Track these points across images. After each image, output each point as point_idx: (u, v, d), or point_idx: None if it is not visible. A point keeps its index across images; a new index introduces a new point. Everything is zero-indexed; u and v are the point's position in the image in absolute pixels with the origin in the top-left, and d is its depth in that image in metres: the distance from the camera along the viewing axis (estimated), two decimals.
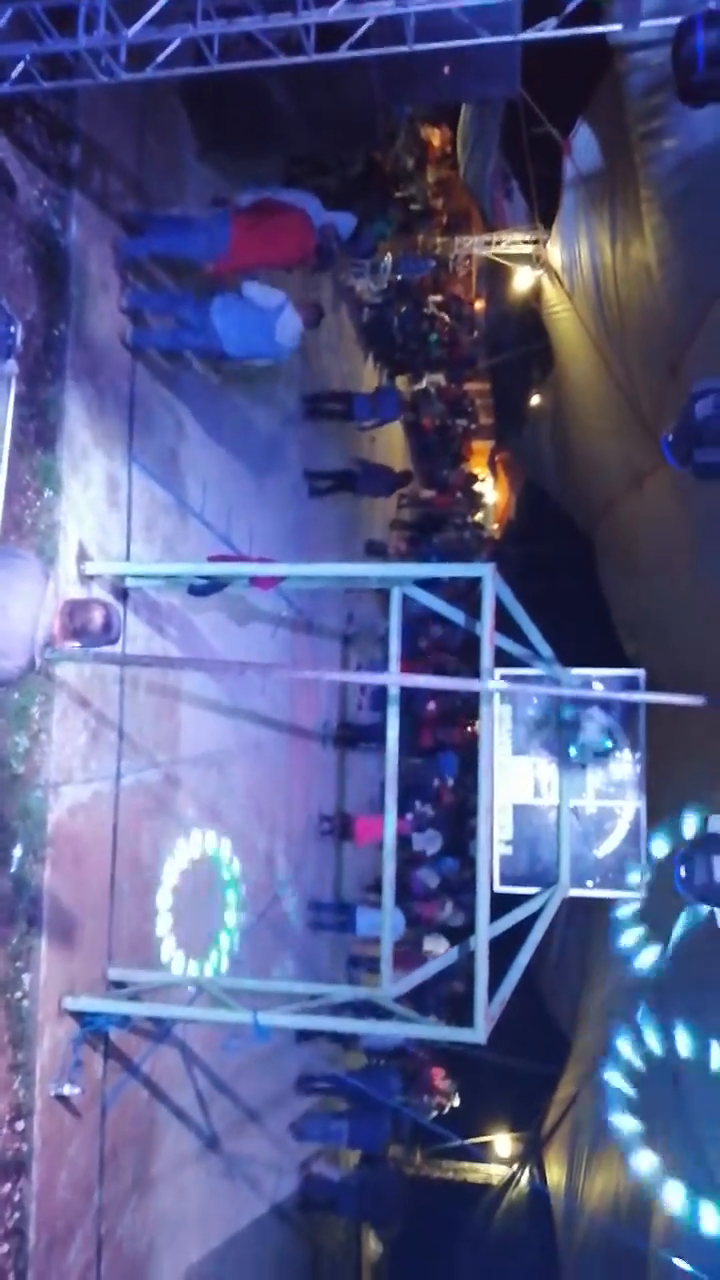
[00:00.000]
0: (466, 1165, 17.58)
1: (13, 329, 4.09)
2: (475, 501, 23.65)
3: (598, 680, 7.63)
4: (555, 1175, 15.14)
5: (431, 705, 16.93)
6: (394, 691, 6.61)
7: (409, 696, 14.73)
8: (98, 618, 3.52)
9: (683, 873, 4.33)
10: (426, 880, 14.88)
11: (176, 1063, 7.45)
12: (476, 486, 23.83)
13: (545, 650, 6.97)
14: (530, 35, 5.29)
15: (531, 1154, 16.05)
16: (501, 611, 6.28)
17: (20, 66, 5.01)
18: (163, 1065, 7.16)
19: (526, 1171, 16.01)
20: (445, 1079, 16.28)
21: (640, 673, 7.63)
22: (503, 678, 7.10)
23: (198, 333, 6.90)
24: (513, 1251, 16.28)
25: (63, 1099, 5.62)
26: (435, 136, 16.53)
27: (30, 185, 5.61)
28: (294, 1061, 11.01)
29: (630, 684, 7.68)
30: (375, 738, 12.66)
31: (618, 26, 5.32)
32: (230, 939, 8.46)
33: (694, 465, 4.18)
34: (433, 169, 16.56)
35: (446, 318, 17.49)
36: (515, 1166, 16.73)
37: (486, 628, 5.99)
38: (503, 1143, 17.06)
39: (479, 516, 24.52)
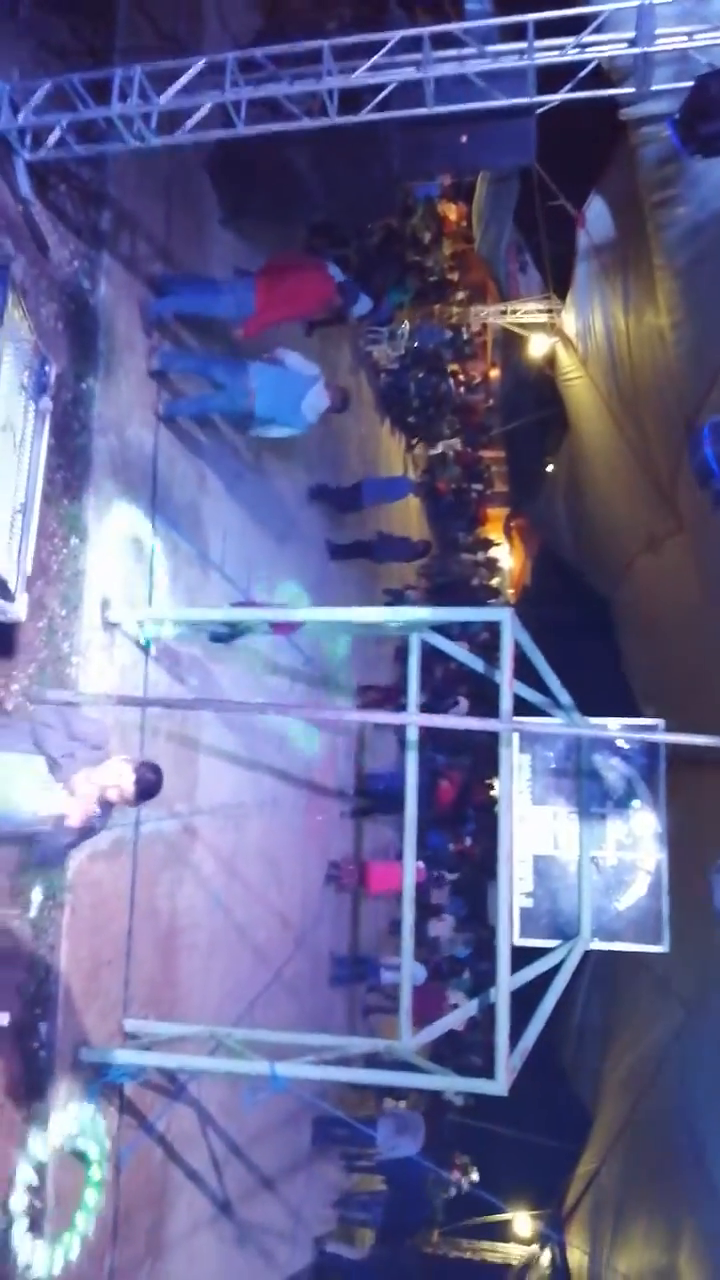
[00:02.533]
0: (485, 1244, 16.95)
1: (47, 368, 4.21)
2: (491, 567, 23.79)
3: (616, 728, 7.61)
4: (577, 1255, 14.59)
5: (445, 784, 16.74)
6: (412, 736, 6.61)
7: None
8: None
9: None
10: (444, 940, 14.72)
11: (192, 1124, 7.30)
12: (492, 551, 23.99)
13: (565, 698, 6.97)
14: (544, 97, 5.49)
15: (553, 1234, 15.48)
16: (521, 662, 6.30)
17: (56, 134, 5.22)
18: (178, 1125, 7.01)
19: (548, 1251, 15.43)
20: (462, 1156, 15.88)
21: (660, 722, 7.61)
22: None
23: (229, 393, 7.03)
24: None
25: (77, 1154, 5.51)
26: (451, 212, 17.00)
27: (62, 246, 5.81)
28: (307, 1123, 10.76)
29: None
30: (393, 809, 12.57)
31: (630, 89, 5.53)
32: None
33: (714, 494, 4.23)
34: (449, 242, 17.01)
35: (462, 377, 17.77)
36: (536, 1246, 16.14)
37: (506, 672, 6.00)
38: (523, 1221, 16.47)
39: (495, 581, 24.64)
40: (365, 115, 5.41)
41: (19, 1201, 4.99)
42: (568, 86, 5.33)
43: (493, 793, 16.98)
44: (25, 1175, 5.03)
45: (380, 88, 5.34)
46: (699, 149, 5.06)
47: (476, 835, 15.99)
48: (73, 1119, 5.46)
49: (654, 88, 5.34)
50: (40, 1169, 5.18)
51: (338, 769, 12.21)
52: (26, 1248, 5.00)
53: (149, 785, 3.89)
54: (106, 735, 4.09)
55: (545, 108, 8.87)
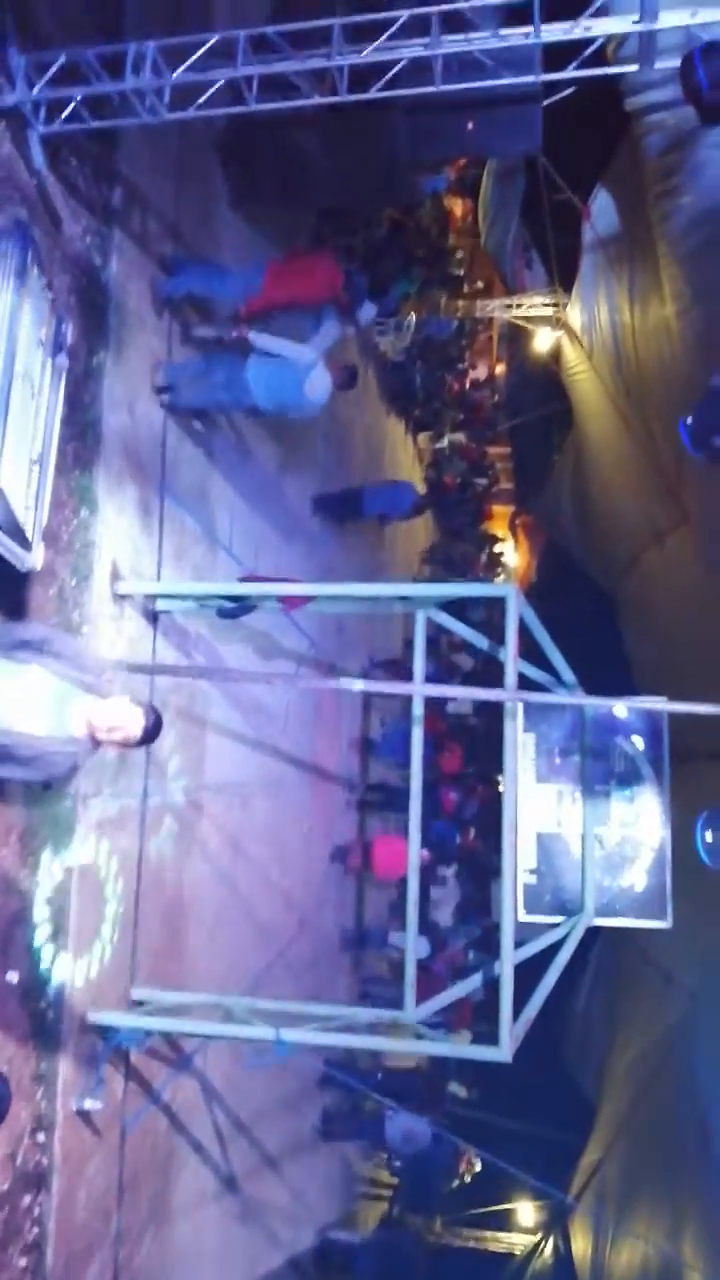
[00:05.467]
0: (488, 1234, 16.96)
1: (65, 327, 4.29)
2: (495, 563, 23.86)
3: (621, 706, 7.68)
4: (580, 1245, 14.63)
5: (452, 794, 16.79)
6: (418, 711, 6.68)
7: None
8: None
9: (708, 837, 4.33)
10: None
11: (196, 1096, 7.36)
12: (496, 548, 24.06)
13: (568, 675, 7.04)
14: (550, 75, 5.58)
15: (556, 1223, 15.51)
16: (526, 648, 6.40)
17: (70, 107, 5.30)
18: (182, 1096, 7.08)
19: (550, 1241, 15.46)
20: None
21: (663, 699, 7.67)
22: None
23: (231, 390, 7.02)
24: None
25: (84, 1115, 5.57)
26: (457, 207, 17.11)
27: (74, 221, 5.89)
28: (312, 1110, 10.82)
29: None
30: (399, 806, 12.63)
31: (634, 66, 5.61)
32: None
33: (713, 450, 4.30)
34: (455, 237, 17.11)
35: (469, 372, 17.82)
36: (539, 1235, 16.17)
37: (511, 646, 6.07)
38: (526, 1211, 16.51)
39: (500, 579, 24.71)
40: (375, 93, 5.49)
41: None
42: (573, 64, 5.40)
43: (499, 787, 17.04)
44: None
45: (389, 66, 5.42)
46: (712, 118, 5.16)
47: (479, 824, 16.04)
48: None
49: (659, 66, 5.42)
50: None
51: (342, 758, 12.28)
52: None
53: (153, 731, 3.81)
54: (102, 665, 3.96)
55: (552, 99, 8.94)
